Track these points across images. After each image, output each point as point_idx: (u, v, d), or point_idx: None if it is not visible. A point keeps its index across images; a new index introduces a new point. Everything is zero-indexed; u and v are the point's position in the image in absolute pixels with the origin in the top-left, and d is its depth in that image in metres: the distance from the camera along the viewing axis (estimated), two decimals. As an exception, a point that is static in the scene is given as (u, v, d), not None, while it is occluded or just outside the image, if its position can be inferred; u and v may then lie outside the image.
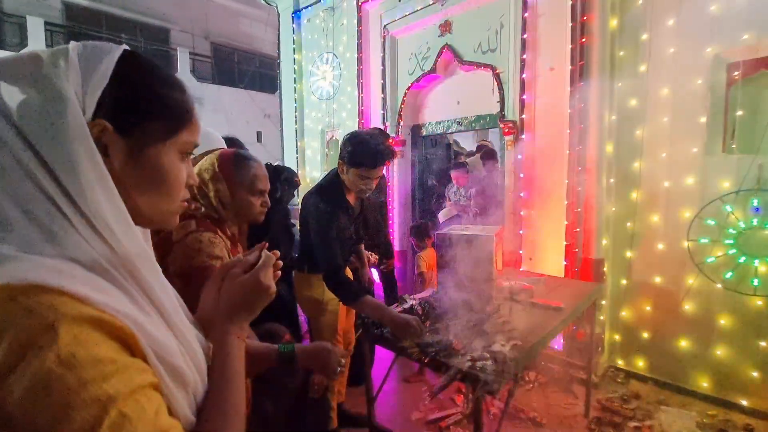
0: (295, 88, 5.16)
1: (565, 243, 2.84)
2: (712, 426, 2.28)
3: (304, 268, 2.07)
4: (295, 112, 5.20)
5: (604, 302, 2.81)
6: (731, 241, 2.36)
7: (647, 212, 2.69)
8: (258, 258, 0.69)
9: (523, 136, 3.05)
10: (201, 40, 11.46)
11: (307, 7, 4.95)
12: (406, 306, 1.92)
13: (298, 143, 5.21)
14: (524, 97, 3.02)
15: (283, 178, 2.67)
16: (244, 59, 12.13)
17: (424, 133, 4.12)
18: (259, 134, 10.90)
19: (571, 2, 2.71)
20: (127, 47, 0.54)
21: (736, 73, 2.39)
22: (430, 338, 1.61)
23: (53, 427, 0.37)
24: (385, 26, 4.07)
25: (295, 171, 3.99)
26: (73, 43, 0.50)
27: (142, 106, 0.52)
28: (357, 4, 4.24)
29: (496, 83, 3.25)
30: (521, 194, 3.10)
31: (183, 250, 1.07)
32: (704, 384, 2.52)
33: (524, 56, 2.99)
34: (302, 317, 2.59)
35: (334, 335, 2.08)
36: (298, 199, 4.28)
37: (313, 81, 4.95)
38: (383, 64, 4.13)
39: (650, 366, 2.74)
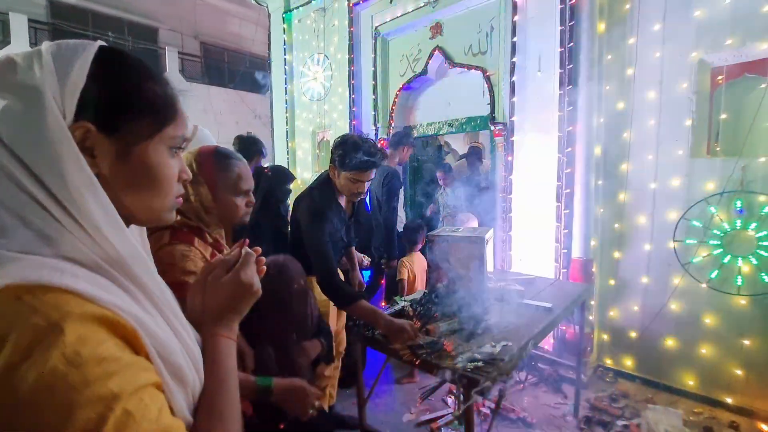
0: (286, 88, 5.13)
1: (555, 244, 2.87)
2: (698, 423, 2.32)
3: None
4: (286, 113, 5.17)
5: (592, 302, 2.84)
6: (717, 242, 2.41)
7: (634, 213, 2.74)
8: (238, 257, 0.67)
9: (514, 138, 3.08)
10: (190, 39, 11.33)
11: (298, 7, 4.93)
12: (398, 307, 1.92)
13: (289, 144, 5.19)
14: (514, 99, 3.05)
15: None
16: (234, 59, 12.02)
17: (416, 135, 4.13)
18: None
19: (560, 6, 2.75)
20: (103, 43, 0.52)
21: (720, 77, 2.44)
22: (422, 340, 1.61)
23: (58, 425, 0.37)
24: (376, 28, 4.08)
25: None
26: (46, 44, 0.49)
27: (123, 104, 0.51)
28: (348, 5, 4.24)
29: (486, 85, 3.28)
30: (511, 196, 3.13)
31: (155, 265, 1.03)
32: (690, 382, 2.57)
33: (514, 59, 3.02)
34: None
35: (325, 337, 2.06)
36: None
37: (304, 82, 4.93)
38: (374, 66, 4.13)
39: (638, 365, 2.78)
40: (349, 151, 1.82)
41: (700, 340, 2.52)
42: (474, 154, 4.37)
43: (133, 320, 0.46)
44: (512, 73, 3.04)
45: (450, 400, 2.57)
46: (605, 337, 2.91)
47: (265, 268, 0.70)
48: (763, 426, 2.26)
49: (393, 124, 4.07)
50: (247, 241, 0.70)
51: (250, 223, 1.60)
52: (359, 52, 4.28)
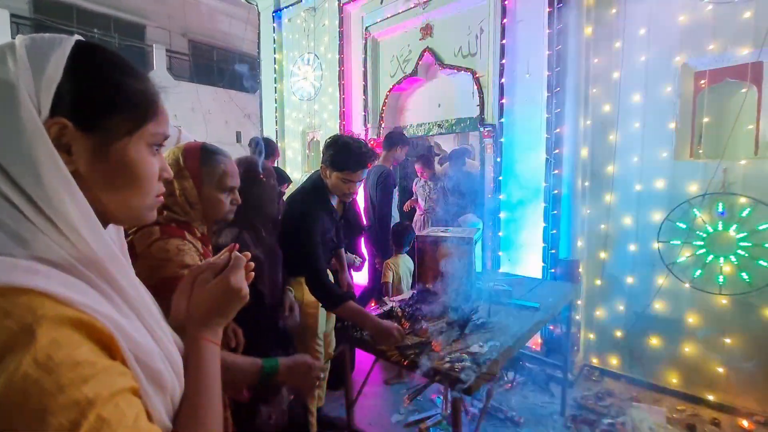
0: (275, 88, 5.10)
1: (542, 244, 2.90)
2: (681, 421, 2.37)
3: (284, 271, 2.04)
4: (276, 112, 5.14)
5: (579, 302, 2.88)
6: (700, 243, 2.46)
7: (620, 214, 2.78)
8: (228, 260, 0.66)
9: (502, 140, 3.10)
10: (178, 37, 11.17)
11: (288, 6, 4.90)
12: (386, 308, 1.92)
13: (279, 144, 5.14)
14: (503, 101, 3.07)
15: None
16: (224, 58, 11.90)
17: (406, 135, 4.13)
18: (238, 134, 10.71)
19: (548, 10, 2.78)
20: (80, 37, 0.50)
21: (703, 81, 2.50)
22: (410, 340, 1.61)
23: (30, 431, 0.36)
24: (366, 28, 4.07)
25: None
26: (20, 37, 0.47)
27: (101, 100, 0.49)
28: (339, 5, 4.22)
29: (476, 87, 3.30)
30: (500, 197, 3.15)
31: (149, 261, 0.97)
32: (674, 380, 2.61)
33: (503, 61, 3.04)
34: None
35: (314, 338, 2.05)
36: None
37: (294, 81, 4.90)
38: (365, 66, 4.12)
39: (623, 364, 2.82)
40: (341, 152, 1.82)
41: (683, 339, 2.57)
42: (456, 157, 4.30)
43: (110, 323, 0.44)
44: (501, 75, 3.06)
45: (438, 399, 2.58)
46: (591, 336, 2.95)
47: (253, 274, 0.69)
48: (744, 422, 2.31)
49: (383, 125, 4.07)
50: (237, 245, 0.69)
51: (246, 224, 1.59)
52: (349, 52, 4.27)
